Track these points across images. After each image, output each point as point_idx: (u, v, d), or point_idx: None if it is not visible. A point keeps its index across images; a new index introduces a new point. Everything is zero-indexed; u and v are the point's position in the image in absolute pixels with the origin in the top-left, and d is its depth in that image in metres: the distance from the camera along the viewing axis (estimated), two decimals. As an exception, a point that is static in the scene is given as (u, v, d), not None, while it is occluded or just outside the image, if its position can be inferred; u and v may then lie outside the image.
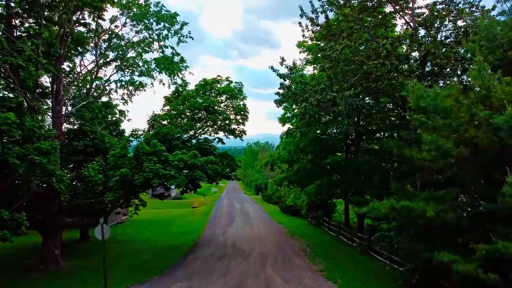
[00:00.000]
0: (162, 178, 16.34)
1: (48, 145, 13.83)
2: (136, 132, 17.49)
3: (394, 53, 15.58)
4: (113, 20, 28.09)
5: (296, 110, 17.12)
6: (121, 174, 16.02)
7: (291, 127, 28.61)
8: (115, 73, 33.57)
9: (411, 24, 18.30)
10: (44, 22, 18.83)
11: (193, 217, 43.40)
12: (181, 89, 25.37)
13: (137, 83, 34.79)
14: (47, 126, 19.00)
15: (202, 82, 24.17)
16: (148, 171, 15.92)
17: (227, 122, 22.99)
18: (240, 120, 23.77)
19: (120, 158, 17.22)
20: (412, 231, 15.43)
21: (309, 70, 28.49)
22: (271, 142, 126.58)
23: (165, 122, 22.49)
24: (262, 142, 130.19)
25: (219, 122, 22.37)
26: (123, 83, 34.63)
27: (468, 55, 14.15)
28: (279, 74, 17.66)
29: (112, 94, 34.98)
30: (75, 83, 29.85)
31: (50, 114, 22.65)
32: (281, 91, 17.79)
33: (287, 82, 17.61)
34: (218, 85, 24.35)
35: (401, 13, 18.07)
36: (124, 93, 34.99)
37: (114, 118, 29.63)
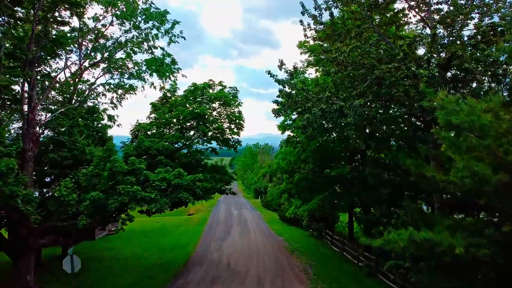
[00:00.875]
0: (141, 202, 14.12)
1: (3, 166, 11.68)
2: (112, 148, 15.22)
3: (412, 56, 13.38)
4: (96, 18, 25.88)
5: (297, 121, 14.95)
6: (91, 199, 13.81)
7: (292, 134, 26.43)
8: (102, 75, 31.43)
9: (428, 22, 16.10)
10: (10, 20, 16.66)
11: (187, 226, 41.20)
12: (169, 95, 23.02)
13: (127, 86, 32.64)
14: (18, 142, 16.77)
15: (192, 88, 21.78)
16: (124, 194, 13.70)
17: (220, 131, 20.63)
18: (235, 130, 21.49)
19: (93, 177, 14.98)
20: (433, 262, 13.27)
21: (311, 73, 26.31)
22: (270, 143, 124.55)
23: (150, 133, 20.07)
24: (262, 143, 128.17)
25: (210, 133, 20.04)
26: (111, 86, 32.53)
27: (502, 58, 11.97)
28: (277, 80, 15.43)
29: (100, 98, 32.86)
30: (56, 87, 27.72)
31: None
32: (279, 99, 15.59)
33: (286, 89, 15.40)
34: (210, 91, 22.00)
35: (416, 9, 15.86)
36: (113, 97, 32.88)
37: (99, 125, 27.40)
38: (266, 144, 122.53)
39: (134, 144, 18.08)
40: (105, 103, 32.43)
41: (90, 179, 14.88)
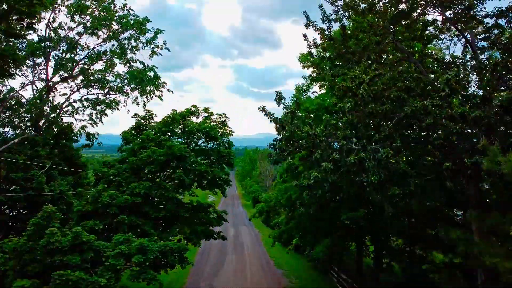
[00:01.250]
0: (87, 291, 10.53)
1: None
2: (50, 213, 11.52)
3: (462, 93, 9.77)
4: (60, 26, 22.26)
5: (301, 179, 11.18)
6: (15, 291, 10.17)
7: (292, 161, 22.79)
8: (77, 90, 27.89)
9: (469, 37, 12.46)
10: None
11: (178, 253, 37.41)
12: (144, 122, 19.16)
13: (107, 101, 29.20)
14: None
15: (169, 118, 17.83)
16: (61, 283, 10.06)
17: (204, 172, 16.76)
18: (225, 167, 17.67)
19: (26, 253, 11.29)
20: None
21: (315, 91, 22.67)
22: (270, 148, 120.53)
23: (115, 179, 16.16)
24: (261, 144, 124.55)
25: (191, 176, 16.14)
26: (90, 101, 29.07)
27: None
28: (274, 119, 11.84)
29: (77, 114, 29.30)
30: (21, 108, 24.10)
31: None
32: (276, 143, 12.04)
33: (286, 130, 11.77)
34: (194, 119, 18.23)
35: (456, 24, 12.19)
36: (92, 113, 29.41)
37: (71, 148, 23.74)
38: (266, 149, 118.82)
39: (90, 196, 14.38)
40: (83, 120, 28.81)
41: (21, 255, 11.25)
